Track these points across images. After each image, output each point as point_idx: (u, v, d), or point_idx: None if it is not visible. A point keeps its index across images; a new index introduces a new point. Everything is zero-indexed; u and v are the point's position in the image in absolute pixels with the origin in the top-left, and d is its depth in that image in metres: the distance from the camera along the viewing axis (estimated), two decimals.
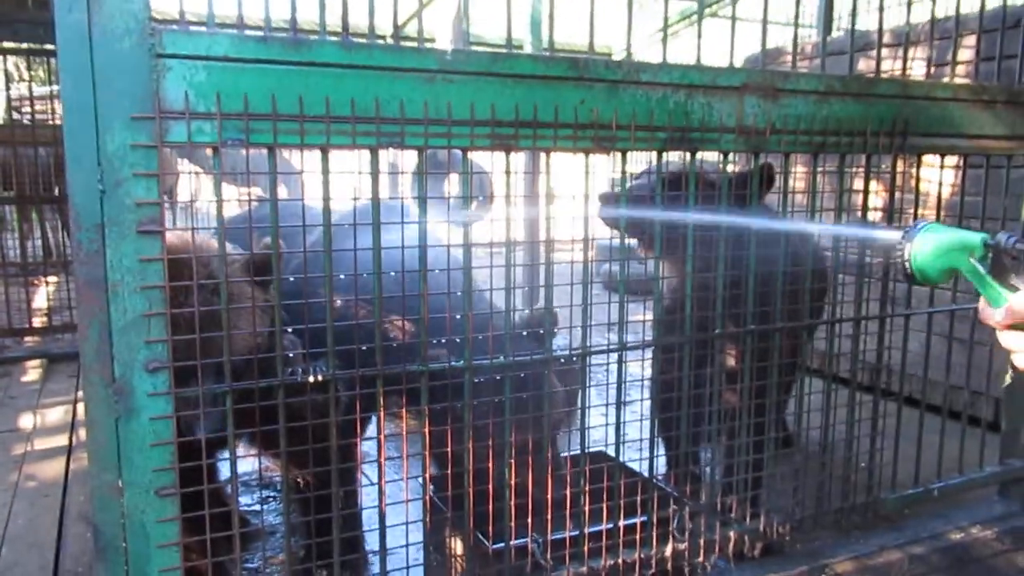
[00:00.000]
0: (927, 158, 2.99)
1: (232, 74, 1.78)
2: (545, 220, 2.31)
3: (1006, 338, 1.16)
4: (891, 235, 1.26)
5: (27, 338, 5.98)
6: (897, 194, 2.89)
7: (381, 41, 2.01)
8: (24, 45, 6.41)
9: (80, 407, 4.39)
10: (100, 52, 1.67)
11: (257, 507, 3.21)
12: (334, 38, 1.89)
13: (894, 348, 2.94)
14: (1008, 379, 1.20)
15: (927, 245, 1.21)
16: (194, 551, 2.04)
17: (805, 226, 2.74)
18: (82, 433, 4.06)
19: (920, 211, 3.21)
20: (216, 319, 1.88)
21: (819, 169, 2.63)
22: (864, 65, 4.39)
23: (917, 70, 4.20)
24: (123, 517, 1.83)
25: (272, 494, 3.38)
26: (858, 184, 2.80)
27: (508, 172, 2.17)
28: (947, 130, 2.83)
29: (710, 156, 2.58)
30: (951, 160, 3.14)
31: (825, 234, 2.75)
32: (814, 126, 2.54)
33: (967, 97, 2.86)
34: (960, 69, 3.84)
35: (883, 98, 2.67)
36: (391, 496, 2.14)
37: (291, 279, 2.12)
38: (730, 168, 2.52)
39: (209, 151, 1.83)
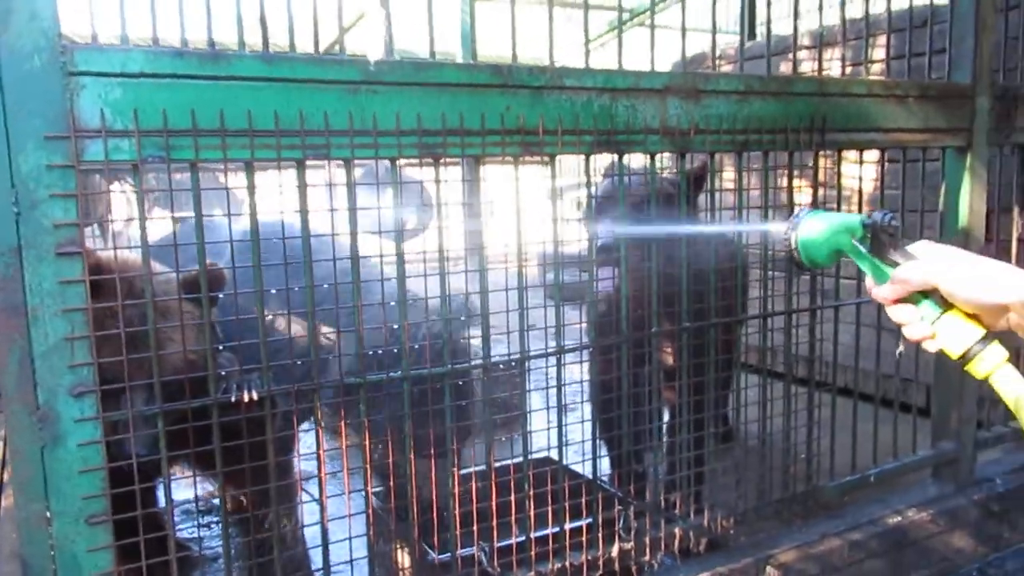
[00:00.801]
0: (848, 154, 3.10)
1: (149, 90, 1.75)
2: (481, 230, 2.32)
3: (894, 312, 1.20)
4: (779, 226, 1.30)
5: None
6: (821, 190, 2.98)
7: (302, 53, 1.99)
8: None
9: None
10: (9, 71, 1.63)
11: (198, 533, 3.14)
12: (254, 52, 1.88)
13: (825, 340, 3.02)
14: (900, 350, 1.25)
15: (812, 231, 1.25)
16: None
17: (705, 229, 2.79)
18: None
19: (844, 206, 3.31)
20: (146, 338, 1.84)
21: (743, 168, 2.69)
22: (786, 67, 4.52)
23: (836, 70, 4.34)
24: (52, 548, 1.77)
25: (213, 519, 3.30)
26: (784, 181, 2.88)
27: (438, 181, 2.18)
28: (864, 125, 2.93)
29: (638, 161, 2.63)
30: (872, 156, 3.26)
31: (722, 233, 2.82)
32: (736, 125, 2.60)
33: (881, 92, 2.96)
34: (875, 68, 3.98)
35: (801, 96, 2.76)
36: (333, 512, 2.11)
37: (220, 295, 2.08)
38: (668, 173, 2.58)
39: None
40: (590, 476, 2.53)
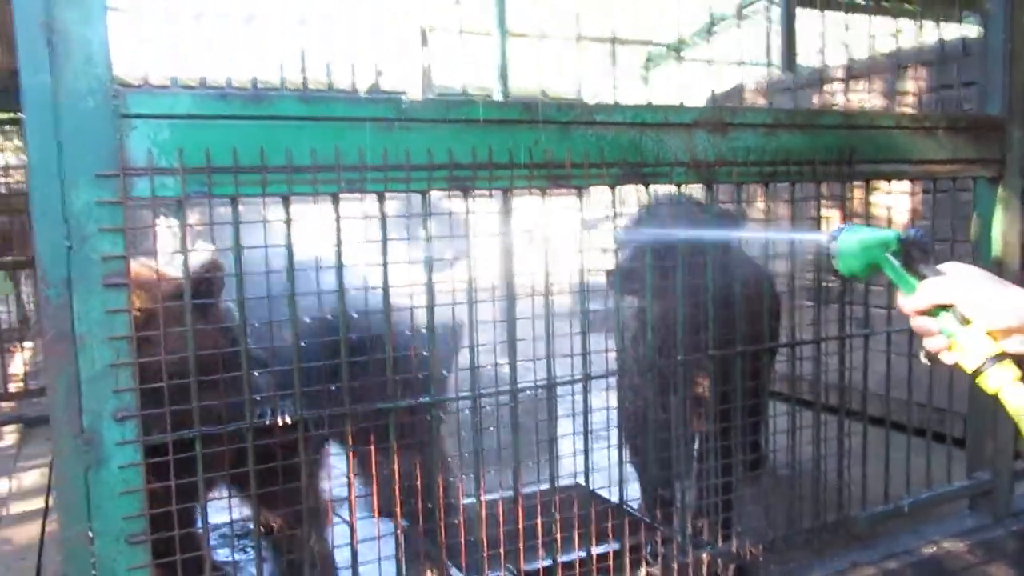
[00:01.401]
0: (879, 183, 3.11)
1: (194, 130, 1.85)
2: (511, 260, 2.37)
3: (916, 323, 1.27)
4: (821, 237, 1.37)
5: (3, 403, 5.94)
6: (851, 219, 3.00)
7: (339, 91, 2.08)
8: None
9: None
10: (64, 112, 1.73)
11: (233, 556, 3.21)
12: (293, 92, 1.97)
13: (856, 368, 3.02)
14: (924, 360, 1.31)
15: (850, 244, 1.34)
16: None
17: (748, 234, 2.82)
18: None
19: None
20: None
21: (772, 198, 2.73)
22: (825, 100, 4.55)
23: (875, 102, 4.36)
24: (94, 568, 1.84)
25: (249, 543, 3.37)
26: (814, 211, 2.90)
27: (469, 212, 2.25)
28: (893, 156, 2.95)
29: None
30: (903, 186, 3.27)
31: (765, 240, 2.84)
32: (764, 157, 2.64)
33: (909, 125, 2.98)
34: (907, 99, 4.00)
35: (829, 128, 2.79)
36: (363, 534, 2.16)
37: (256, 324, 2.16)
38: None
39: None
40: (617, 502, 2.55)
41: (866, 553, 3.11)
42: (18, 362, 6.63)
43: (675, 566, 2.60)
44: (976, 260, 3.31)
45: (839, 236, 1.36)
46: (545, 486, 2.44)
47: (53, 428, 1.82)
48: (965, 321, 1.21)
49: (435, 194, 2.20)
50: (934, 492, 3.28)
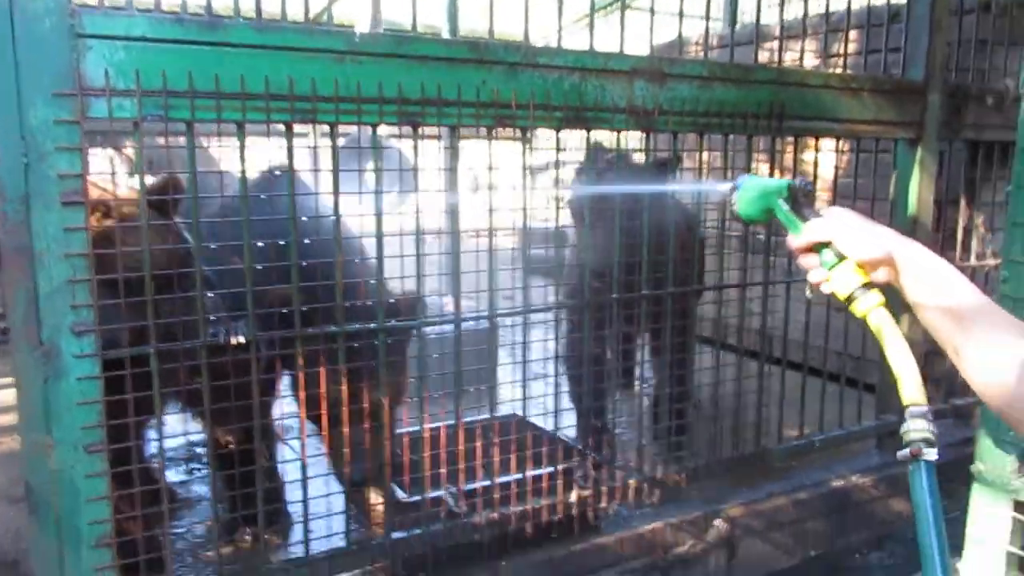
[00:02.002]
0: (807, 142, 3.28)
1: (150, 53, 1.90)
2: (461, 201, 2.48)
3: (802, 259, 1.44)
4: (723, 187, 1.53)
5: None
6: (779, 174, 3.18)
7: (292, 22, 2.14)
8: None
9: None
10: (21, 31, 1.77)
11: (183, 478, 3.29)
12: (247, 20, 2.03)
13: (776, 313, 3.22)
14: (808, 294, 1.49)
15: (748, 192, 1.52)
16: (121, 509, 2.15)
17: (659, 188, 2.96)
18: (1, 419, 4.05)
19: None
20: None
21: (708, 149, 2.88)
22: (764, 57, 4.72)
23: (807, 62, 4.54)
24: (53, 474, 1.93)
25: (198, 466, 3.46)
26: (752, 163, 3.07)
27: (417, 146, 2.35)
28: (821, 114, 3.12)
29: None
30: (829, 145, 3.45)
31: (673, 192, 3.01)
32: (699, 108, 2.78)
33: (837, 85, 3.15)
34: (838, 61, 4.18)
35: (761, 83, 2.94)
36: (311, 452, 2.28)
37: (212, 245, 2.23)
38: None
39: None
40: (552, 430, 2.71)
41: (780, 484, 3.35)
42: None
43: (604, 489, 2.78)
44: (894, 217, 3.53)
45: (739, 185, 1.53)
46: (485, 415, 2.59)
47: (13, 341, 1.88)
48: (840, 257, 1.37)
49: (383, 132, 2.29)
50: (844, 431, 3.53)
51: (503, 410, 2.86)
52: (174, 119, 1.96)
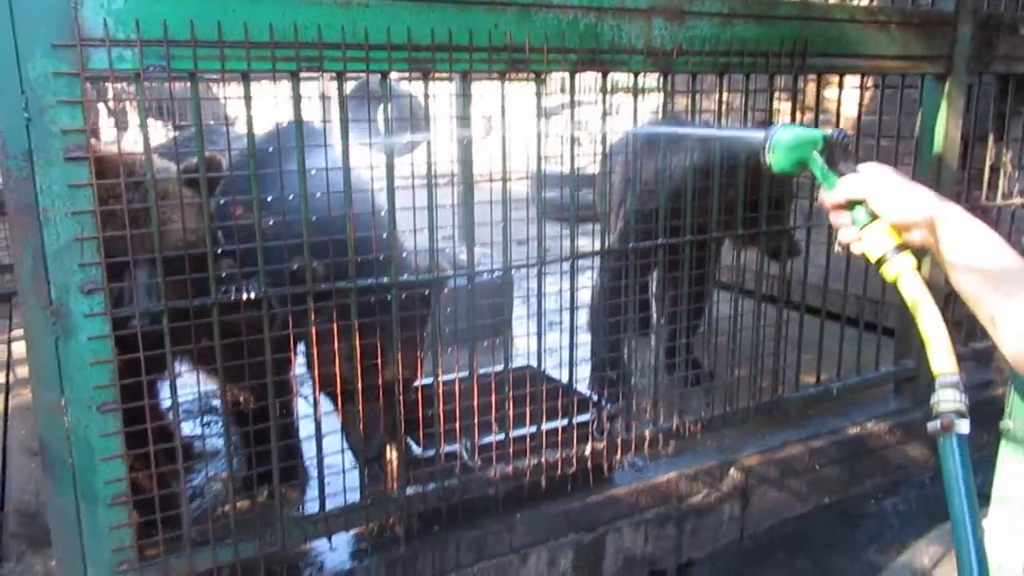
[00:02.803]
0: (830, 78, 3.17)
1: (150, 2, 1.82)
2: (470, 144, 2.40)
3: (834, 216, 1.37)
4: (755, 135, 1.45)
5: None
6: (800, 113, 3.07)
7: None
8: None
9: (15, 346, 4.37)
10: None
11: (200, 431, 3.31)
12: None
13: (798, 260, 3.16)
14: (838, 248, 1.44)
15: (783, 142, 1.42)
16: (137, 466, 2.16)
17: (692, 131, 2.88)
18: (19, 371, 4.07)
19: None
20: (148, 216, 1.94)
21: (726, 89, 2.78)
22: None
23: None
24: (68, 433, 1.92)
25: (213, 419, 3.48)
26: (766, 104, 2.97)
27: (428, 92, 2.27)
28: (845, 50, 3.00)
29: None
30: (853, 81, 3.33)
31: (704, 137, 2.91)
32: (719, 47, 2.67)
33: (863, 18, 3.02)
34: None
35: (784, 20, 2.82)
36: (325, 408, 2.27)
37: (221, 201, 2.18)
38: None
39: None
40: (567, 382, 2.69)
41: (796, 432, 3.34)
42: None
43: (618, 441, 2.77)
44: (918, 156, 3.43)
45: (773, 135, 1.43)
46: (499, 367, 2.55)
47: (21, 300, 1.85)
48: (874, 216, 1.30)
49: (394, 77, 2.20)
50: (862, 377, 3.50)
51: (518, 362, 2.84)
52: (177, 69, 1.89)
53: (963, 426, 1.16)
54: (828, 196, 1.36)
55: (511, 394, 2.52)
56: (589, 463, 2.70)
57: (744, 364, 3.08)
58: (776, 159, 1.43)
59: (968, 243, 1.24)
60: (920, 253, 1.30)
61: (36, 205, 1.79)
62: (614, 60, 2.49)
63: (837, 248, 1.41)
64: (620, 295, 2.78)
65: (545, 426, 2.61)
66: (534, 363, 2.67)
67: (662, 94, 2.78)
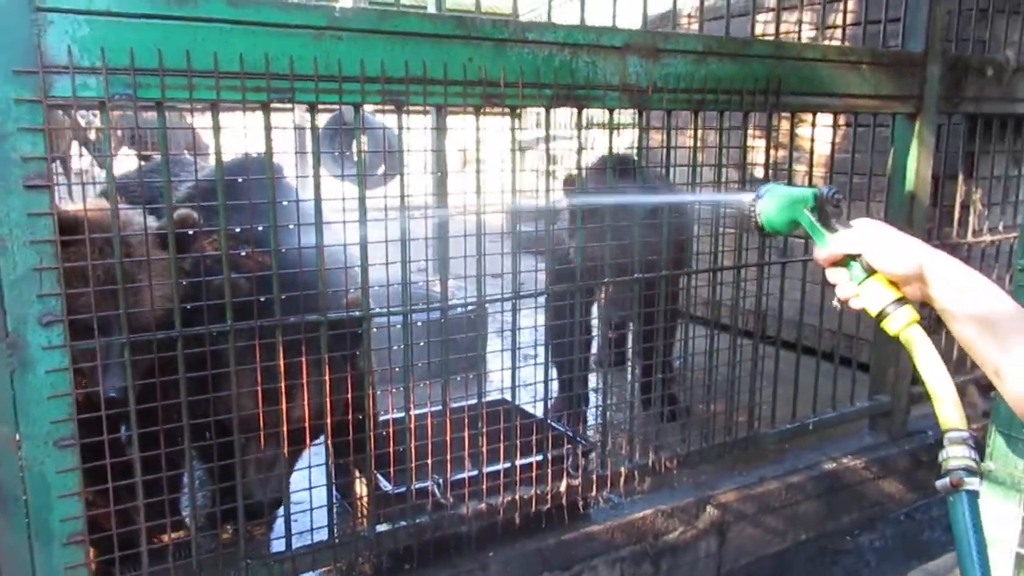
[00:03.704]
0: (803, 117, 3.20)
1: (116, 28, 1.79)
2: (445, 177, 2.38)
3: (829, 273, 1.37)
4: (744, 198, 1.44)
5: None
6: (774, 151, 3.09)
7: None
8: None
9: None
10: None
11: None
12: None
13: (772, 295, 3.15)
14: (836, 304, 1.43)
15: (772, 204, 1.43)
16: (97, 503, 2.09)
17: (678, 198, 2.90)
18: None
19: (795, 166, 3.42)
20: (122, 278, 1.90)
21: (700, 127, 2.79)
22: (759, 30, 4.60)
23: (804, 34, 4.43)
24: (22, 470, 1.85)
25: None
26: (741, 141, 2.98)
27: (401, 125, 2.25)
28: (818, 89, 3.03)
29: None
30: (825, 120, 3.36)
31: (693, 203, 2.94)
32: (694, 84, 2.69)
33: (835, 58, 3.06)
34: (837, 33, 4.08)
35: (758, 58, 2.84)
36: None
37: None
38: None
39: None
40: (541, 416, 2.65)
41: (772, 468, 3.31)
42: None
43: (594, 478, 2.73)
44: (890, 193, 3.46)
45: (762, 196, 1.44)
46: (473, 401, 2.51)
47: None
48: (871, 270, 1.30)
49: (369, 109, 2.19)
50: (837, 412, 3.49)
51: (494, 396, 2.79)
52: (143, 98, 1.86)
53: (974, 483, 1.13)
54: (822, 253, 1.36)
55: (485, 429, 2.47)
56: (564, 500, 2.65)
57: (720, 399, 3.06)
58: (767, 219, 1.43)
59: (961, 290, 1.23)
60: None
61: None
62: (589, 96, 2.49)
63: (835, 304, 1.40)
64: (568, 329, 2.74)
65: (520, 462, 2.56)
66: (508, 397, 2.63)
67: (637, 130, 2.79)
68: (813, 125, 3.19)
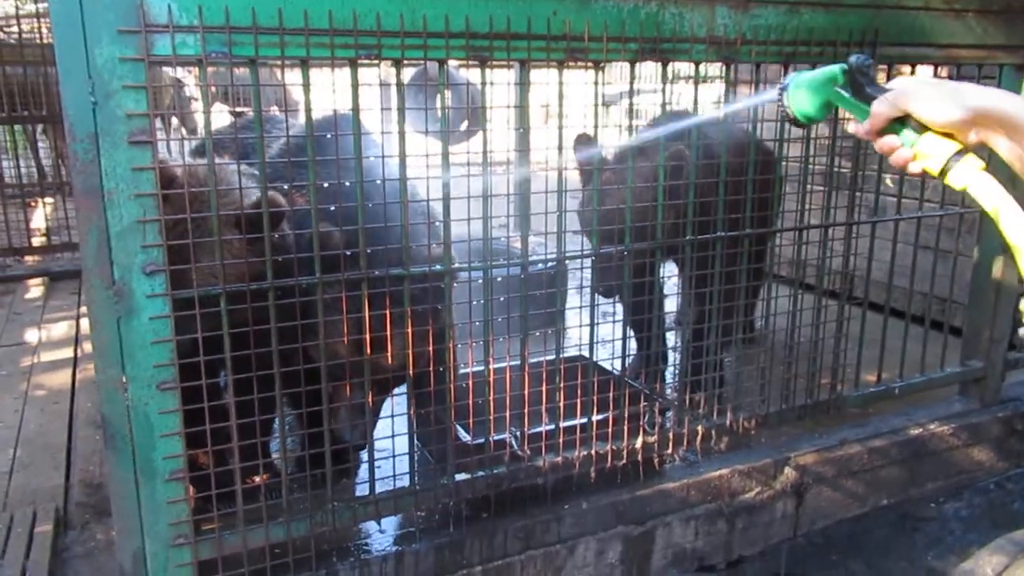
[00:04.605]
0: (903, 69, 3.06)
1: None
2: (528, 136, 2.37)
3: (880, 143, 1.29)
4: (771, 94, 1.40)
5: (27, 257, 6.10)
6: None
7: None
8: None
9: (83, 322, 4.53)
10: None
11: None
12: None
13: (860, 255, 3.06)
14: (888, 183, 1.35)
15: (801, 92, 1.36)
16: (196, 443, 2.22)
17: (701, 119, 2.79)
18: (86, 346, 4.22)
19: None
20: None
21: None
22: None
23: None
24: (128, 410, 1.98)
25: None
26: None
27: (484, 83, 2.26)
28: (919, 39, 2.89)
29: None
30: (925, 71, 3.21)
31: (723, 114, 2.80)
32: (785, 36, 2.60)
33: (938, 6, 2.90)
34: None
35: (854, 8, 2.72)
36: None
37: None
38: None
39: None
40: (618, 373, 2.66)
41: (855, 431, 3.26)
42: (40, 216, 6.74)
43: (671, 435, 2.74)
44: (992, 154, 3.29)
45: (788, 86, 1.38)
46: (551, 356, 2.54)
47: (85, 280, 1.91)
48: (923, 128, 1.22)
49: (453, 64, 2.20)
50: (926, 377, 3.39)
51: (571, 352, 2.82)
52: (238, 56, 1.92)
53: None
54: (865, 126, 1.29)
55: (562, 384, 2.51)
56: (640, 456, 2.67)
57: (803, 360, 3.01)
58: (800, 110, 1.37)
59: None
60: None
61: (101, 187, 1.83)
62: (676, 49, 2.44)
63: (887, 182, 1.34)
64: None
65: (596, 417, 2.59)
66: (586, 353, 2.65)
67: (725, 84, 2.73)
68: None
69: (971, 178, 1.19)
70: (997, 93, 1.18)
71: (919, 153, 1.23)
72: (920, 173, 1.26)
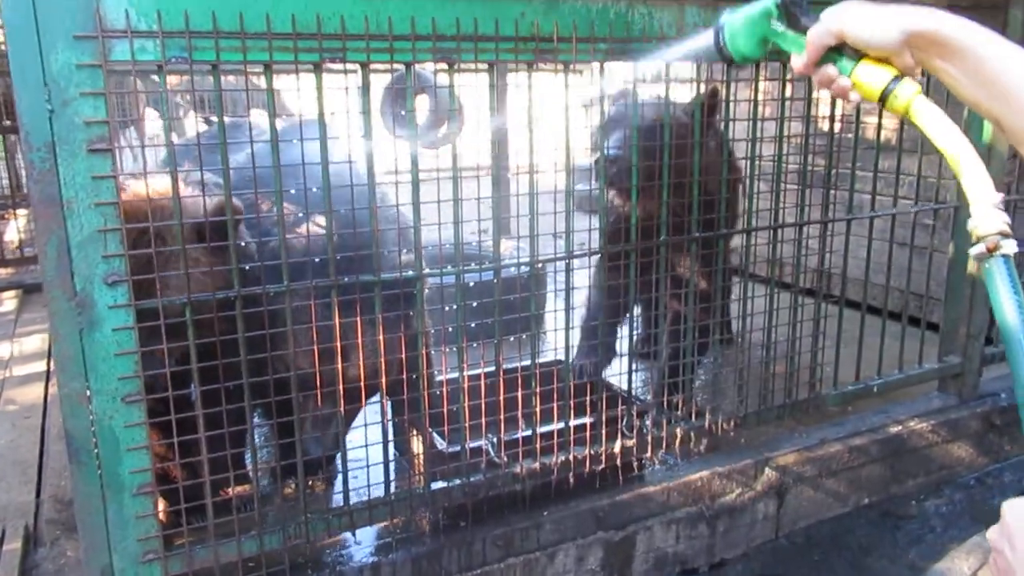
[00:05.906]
0: None
1: None
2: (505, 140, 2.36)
3: (817, 77, 1.26)
4: (708, 35, 1.37)
5: (1, 270, 6.00)
6: (844, 102, 2.96)
7: None
8: None
9: None
10: None
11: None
12: None
13: (836, 252, 3.06)
14: (971, 265, 1.32)
15: (735, 26, 1.33)
16: (166, 457, 2.17)
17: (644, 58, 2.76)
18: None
19: (864, 119, 3.28)
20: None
21: (762, 77, 2.70)
22: None
23: None
24: (93, 423, 1.93)
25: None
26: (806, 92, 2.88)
27: (453, 86, 2.23)
28: None
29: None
30: None
31: (658, 59, 2.77)
32: None
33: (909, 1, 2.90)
34: None
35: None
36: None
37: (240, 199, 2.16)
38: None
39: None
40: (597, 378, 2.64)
41: (834, 430, 3.25)
42: (12, 229, 6.64)
43: (649, 439, 2.72)
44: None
45: (723, 26, 1.35)
46: (527, 361, 2.51)
47: (46, 291, 1.87)
48: (858, 55, 1.20)
49: (431, 69, 2.17)
50: (904, 374, 3.40)
51: (548, 356, 2.79)
52: (199, 61, 1.88)
53: (1009, 246, 1.06)
54: (802, 59, 1.25)
55: (538, 389, 2.48)
56: (619, 460, 2.65)
57: (780, 360, 3.00)
58: (736, 48, 1.34)
59: (957, 48, 1.13)
60: None
61: (60, 196, 1.79)
62: (645, 50, 2.42)
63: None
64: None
65: (573, 422, 2.56)
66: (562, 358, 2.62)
67: (696, 84, 2.72)
68: None
69: (912, 99, 1.18)
70: (934, 13, 1.16)
71: (857, 82, 1.21)
72: (858, 101, 1.24)
